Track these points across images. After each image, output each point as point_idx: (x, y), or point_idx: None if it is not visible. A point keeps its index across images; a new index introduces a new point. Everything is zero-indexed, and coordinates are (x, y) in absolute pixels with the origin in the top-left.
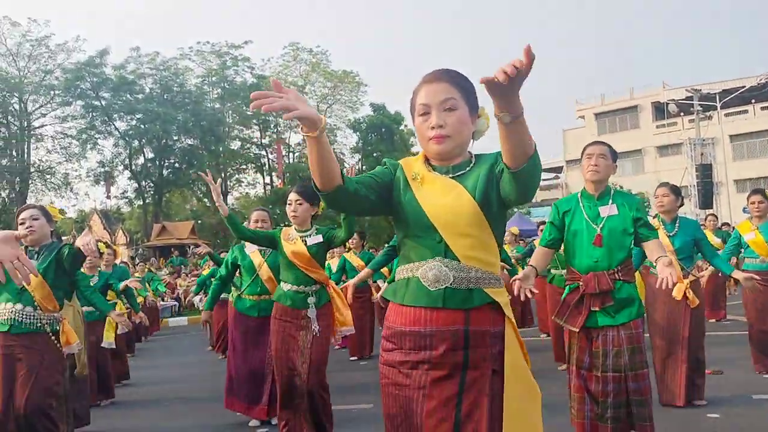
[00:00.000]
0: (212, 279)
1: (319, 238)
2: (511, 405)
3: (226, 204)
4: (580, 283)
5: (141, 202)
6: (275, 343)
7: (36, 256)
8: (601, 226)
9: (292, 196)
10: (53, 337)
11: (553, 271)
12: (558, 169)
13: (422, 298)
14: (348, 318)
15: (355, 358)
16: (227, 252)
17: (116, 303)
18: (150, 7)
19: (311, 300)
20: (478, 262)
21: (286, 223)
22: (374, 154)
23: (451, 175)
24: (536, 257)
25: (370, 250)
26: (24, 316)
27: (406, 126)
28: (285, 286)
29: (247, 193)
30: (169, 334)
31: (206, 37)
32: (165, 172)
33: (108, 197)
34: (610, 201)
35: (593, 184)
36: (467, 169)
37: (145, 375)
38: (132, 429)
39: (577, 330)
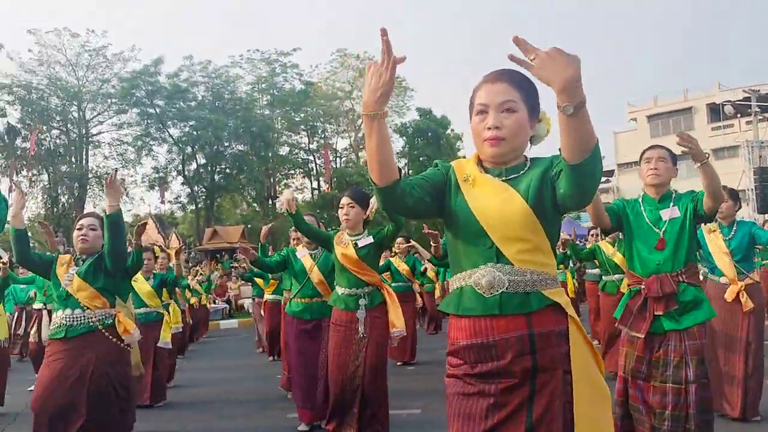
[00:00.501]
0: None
1: (369, 240)
2: (580, 408)
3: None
4: (642, 287)
5: (193, 207)
6: (330, 348)
7: (81, 262)
8: (663, 229)
9: (344, 200)
10: (107, 333)
11: (605, 277)
12: (609, 173)
13: (478, 306)
14: (400, 321)
15: (400, 362)
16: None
17: (170, 303)
18: (202, 16)
19: (362, 302)
20: (532, 264)
21: (335, 227)
22: (420, 159)
23: (504, 178)
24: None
25: (415, 255)
26: (74, 320)
27: (452, 130)
28: (339, 290)
29: (295, 198)
30: (220, 336)
31: (256, 45)
32: (216, 178)
33: (162, 202)
34: (671, 204)
35: (654, 188)
36: (521, 172)
37: (196, 377)
38: (184, 430)
39: (642, 337)
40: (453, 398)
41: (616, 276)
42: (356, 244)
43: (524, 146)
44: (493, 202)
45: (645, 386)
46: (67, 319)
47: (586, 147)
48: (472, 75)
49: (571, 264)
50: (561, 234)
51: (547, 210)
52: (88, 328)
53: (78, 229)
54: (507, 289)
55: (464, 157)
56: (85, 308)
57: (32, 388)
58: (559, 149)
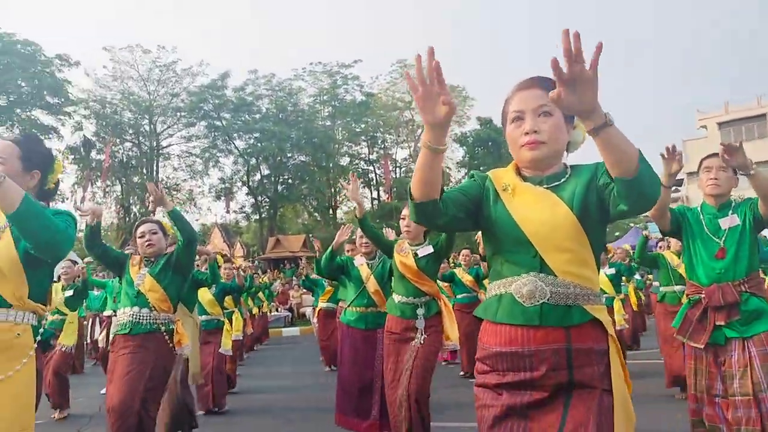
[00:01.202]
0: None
1: (429, 249)
2: (618, 428)
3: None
4: (702, 296)
5: (257, 217)
6: (386, 357)
7: (151, 264)
8: (723, 238)
9: (406, 211)
10: (167, 337)
11: (662, 288)
12: (678, 182)
13: (517, 315)
14: (454, 334)
15: (464, 374)
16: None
17: (233, 312)
18: (267, 31)
19: (420, 311)
20: (576, 277)
21: (395, 238)
22: (481, 168)
23: (545, 186)
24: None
25: (479, 266)
26: (141, 318)
27: None
28: (396, 298)
29: (355, 207)
30: (281, 344)
31: (318, 57)
32: (279, 188)
33: (227, 212)
34: (731, 212)
35: (714, 198)
36: (563, 179)
37: (256, 384)
38: None
39: (702, 347)
40: (482, 410)
41: (678, 287)
42: (416, 254)
43: (562, 151)
44: (536, 210)
45: (723, 403)
46: (135, 317)
47: (629, 162)
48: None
49: (637, 276)
50: (620, 246)
51: (592, 220)
52: (152, 328)
53: (140, 237)
54: (549, 300)
55: None
56: (152, 309)
57: (104, 390)
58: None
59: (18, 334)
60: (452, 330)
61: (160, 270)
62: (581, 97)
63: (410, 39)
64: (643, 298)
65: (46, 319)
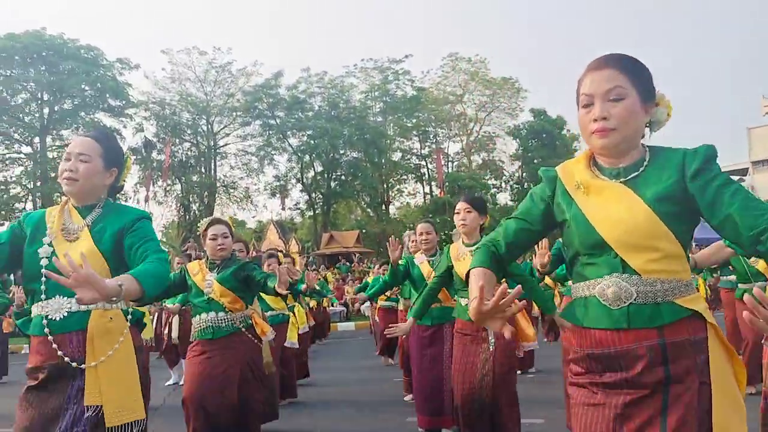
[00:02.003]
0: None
1: None
2: (717, 420)
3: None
4: None
5: (311, 213)
6: (455, 357)
7: (216, 268)
8: None
9: (461, 205)
10: (248, 333)
11: (741, 285)
12: (743, 171)
13: (604, 318)
14: (530, 332)
15: (519, 371)
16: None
17: (294, 306)
18: (319, 29)
19: None
20: (662, 273)
21: (448, 232)
22: (535, 161)
23: (622, 179)
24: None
25: (529, 261)
26: (219, 321)
27: (568, 130)
28: (463, 301)
29: (407, 202)
30: (338, 338)
31: (369, 54)
32: (332, 184)
33: (283, 209)
34: None
35: None
36: (641, 169)
37: (318, 377)
38: (310, 429)
39: None
40: (578, 409)
41: (759, 284)
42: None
43: (639, 135)
44: (612, 211)
45: None
46: (213, 321)
47: None
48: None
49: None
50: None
51: (678, 216)
52: (233, 329)
53: (212, 239)
54: (635, 300)
55: None
56: (228, 311)
57: (169, 382)
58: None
59: (110, 318)
60: (528, 328)
61: (229, 279)
62: None
63: (460, 32)
64: (710, 293)
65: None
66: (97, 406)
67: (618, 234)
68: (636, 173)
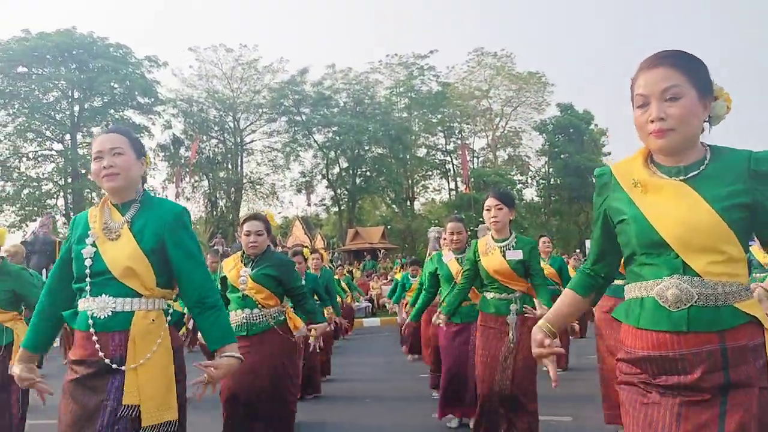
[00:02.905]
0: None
1: (519, 255)
2: None
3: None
4: None
5: (337, 209)
6: (478, 349)
7: (251, 264)
8: None
9: (491, 202)
10: (280, 330)
11: None
12: None
13: (662, 321)
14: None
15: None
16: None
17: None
18: (344, 25)
19: (513, 307)
20: (723, 276)
21: (473, 228)
22: (561, 156)
23: (682, 178)
24: None
25: (561, 255)
26: (254, 318)
27: (596, 125)
28: (488, 295)
29: (432, 198)
30: (363, 333)
31: (394, 49)
32: (358, 180)
33: (308, 205)
34: None
35: None
36: (702, 168)
37: (344, 372)
38: (336, 423)
39: None
40: (631, 406)
41: None
42: (503, 253)
43: (698, 133)
44: (673, 210)
45: None
46: (248, 318)
47: None
48: (615, 65)
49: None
50: None
51: (739, 218)
52: (266, 327)
53: (246, 234)
54: (696, 302)
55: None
56: (262, 307)
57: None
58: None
59: (152, 320)
60: None
61: (264, 278)
62: None
63: (487, 26)
64: None
65: (171, 306)
66: (135, 406)
67: (679, 234)
68: (696, 172)
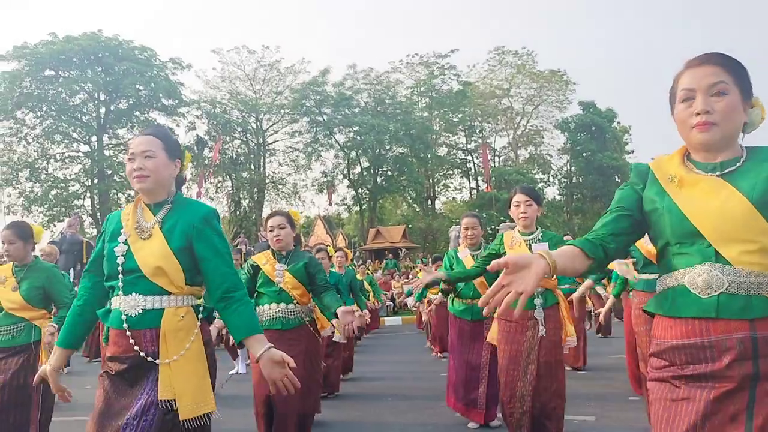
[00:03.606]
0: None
1: (545, 246)
2: None
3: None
4: None
5: (358, 208)
6: (500, 345)
7: (284, 259)
8: None
9: (521, 197)
10: (312, 327)
11: None
12: None
13: (692, 307)
14: (571, 328)
15: (570, 368)
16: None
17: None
18: (363, 25)
19: (538, 301)
20: (756, 266)
21: (494, 227)
22: (584, 154)
23: (718, 173)
24: None
25: None
26: (289, 312)
27: (618, 123)
28: None
29: (453, 197)
30: (385, 332)
31: (415, 49)
32: (379, 180)
33: (330, 204)
34: None
35: None
36: (738, 165)
37: (367, 370)
38: (357, 421)
39: None
40: (659, 405)
41: None
42: (529, 246)
43: (737, 134)
44: (708, 203)
45: None
46: (283, 312)
47: None
48: (638, 63)
49: None
50: None
51: None
52: (300, 323)
53: (270, 230)
54: (727, 289)
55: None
56: (297, 303)
57: (233, 372)
58: None
59: (182, 317)
60: (569, 325)
61: (300, 273)
62: None
63: (507, 25)
64: None
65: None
66: (170, 401)
67: (713, 224)
68: (733, 168)
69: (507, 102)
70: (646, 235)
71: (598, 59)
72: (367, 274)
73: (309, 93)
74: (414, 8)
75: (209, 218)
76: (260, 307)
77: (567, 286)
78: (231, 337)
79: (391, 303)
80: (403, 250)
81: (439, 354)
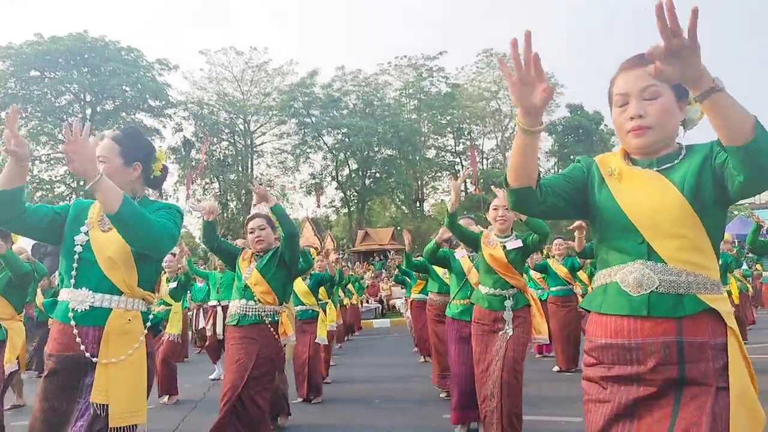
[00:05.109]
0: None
1: (519, 243)
2: (734, 428)
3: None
4: None
5: (346, 210)
6: (474, 345)
7: (259, 259)
8: None
9: (501, 201)
10: (272, 329)
11: None
12: None
13: (623, 305)
14: (543, 327)
15: (558, 369)
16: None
17: (327, 302)
18: (351, 27)
19: (508, 303)
20: (689, 264)
21: (483, 229)
22: (571, 157)
23: (655, 168)
24: None
25: (574, 257)
26: (248, 309)
27: (606, 125)
28: (483, 289)
29: (442, 200)
30: (373, 335)
31: (403, 50)
32: (367, 182)
33: (318, 206)
34: None
35: None
36: (675, 161)
37: (352, 373)
38: (337, 425)
39: None
40: (588, 404)
41: None
42: (504, 246)
43: (674, 133)
44: (643, 195)
45: None
46: (242, 309)
47: (741, 127)
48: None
49: (744, 266)
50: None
51: (707, 203)
52: (257, 320)
53: (251, 232)
54: (657, 288)
55: None
56: (257, 301)
57: (212, 376)
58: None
59: (129, 320)
60: (541, 323)
61: (266, 264)
62: (686, 66)
63: (496, 27)
64: (751, 288)
65: (152, 310)
66: (102, 405)
67: (647, 217)
68: (670, 164)
69: (495, 104)
70: None
71: (586, 62)
72: (352, 274)
73: (297, 94)
74: (402, 10)
75: (165, 207)
76: (230, 303)
77: (558, 288)
78: (211, 339)
79: (380, 305)
80: (392, 252)
81: (424, 358)
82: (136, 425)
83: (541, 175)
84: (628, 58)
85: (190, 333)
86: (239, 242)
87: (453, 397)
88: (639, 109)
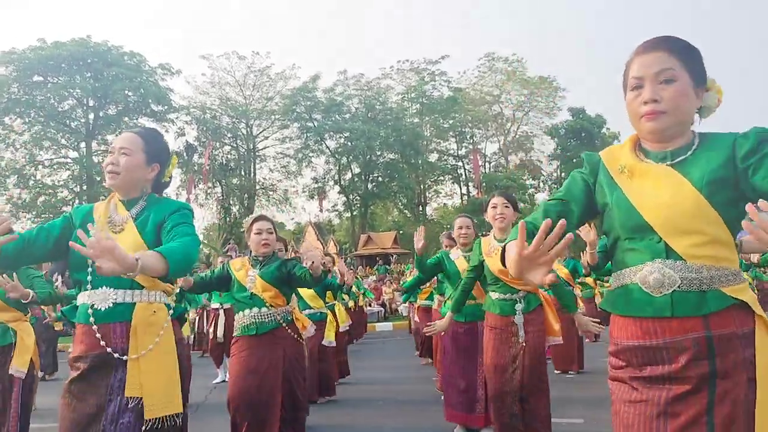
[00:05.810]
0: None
1: None
2: (760, 419)
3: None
4: None
5: (349, 215)
6: (487, 351)
7: (259, 265)
8: None
9: (498, 200)
10: (289, 329)
11: None
12: None
13: (646, 307)
14: (556, 328)
15: (559, 371)
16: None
17: (335, 304)
18: (353, 31)
19: (518, 307)
20: (709, 259)
21: (485, 232)
22: (574, 160)
23: (669, 162)
24: None
25: (576, 258)
26: (262, 316)
27: (608, 129)
28: (493, 295)
29: (444, 203)
30: (376, 338)
31: (405, 55)
32: (370, 186)
33: (321, 210)
34: None
35: None
36: (689, 153)
37: (358, 376)
38: (348, 425)
39: None
40: (618, 406)
41: None
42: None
43: (689, 120)
44: (657, 193)
45: None
46: (256, 317)
47: None
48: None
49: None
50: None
51: (728, 197)
52: (276, 325)
53: (257, 233)
54: (679, 287)
55: None
56: (270, 306)
57: (216, 380)
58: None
59: (154, 312)
60: (555, 324)
61: (272, 275)
62: None
63: (497, 31)
64: (757, 293)
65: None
66: (137, 398)
67: (662, 216)
68: (684, 156)
69: (497, 108)
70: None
71: (588, 65)
72: (356, 278)
73: (299, 99)
74: (405, 15)
75: (181, 209)
76: (237, 315)
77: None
78: (213, 342)
79: (382, 309)
80: (395, 256)
81: (426, 360)
82: (175, 414)
83: (550, 180)
84: (643, 42)
85: (192, 336)
86: (219, 261)
87: (446, 394)
88: (654, 93)
